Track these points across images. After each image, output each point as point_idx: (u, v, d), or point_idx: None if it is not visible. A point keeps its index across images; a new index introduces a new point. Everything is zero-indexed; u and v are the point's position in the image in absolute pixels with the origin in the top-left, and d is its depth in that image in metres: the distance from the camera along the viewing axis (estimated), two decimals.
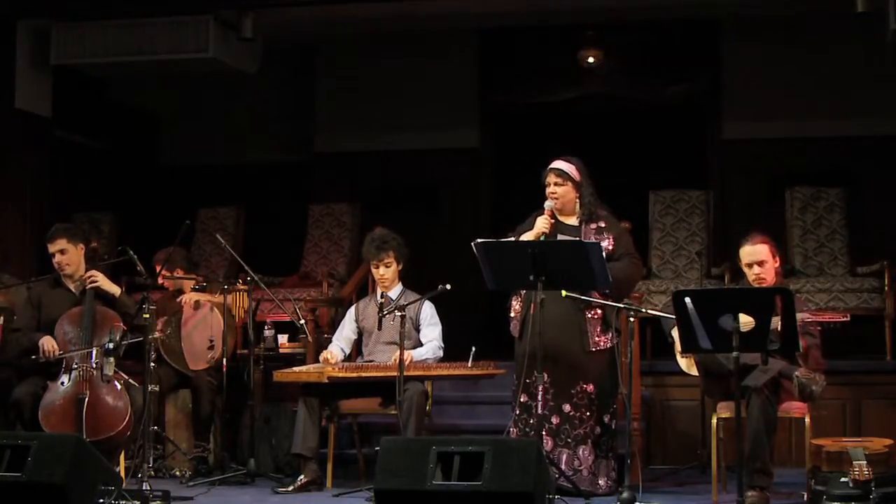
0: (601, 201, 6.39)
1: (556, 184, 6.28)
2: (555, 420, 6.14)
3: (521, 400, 6.17)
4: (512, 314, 6.34)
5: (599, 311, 6.20)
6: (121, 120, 10.46)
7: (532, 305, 6.03)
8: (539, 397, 5.85)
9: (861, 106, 9.38)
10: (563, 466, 6.09)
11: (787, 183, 9.02)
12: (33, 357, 6.57)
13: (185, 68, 8.85)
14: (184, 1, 8.49)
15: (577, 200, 6.32)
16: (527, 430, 6.12)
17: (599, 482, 6.18)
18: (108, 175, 10.22)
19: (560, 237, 6.19)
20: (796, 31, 9.41)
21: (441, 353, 6.67)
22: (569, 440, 6.15)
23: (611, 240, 6.25)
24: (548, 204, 6.24)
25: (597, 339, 6.21)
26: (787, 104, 9.59)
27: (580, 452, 6.15)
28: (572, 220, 6.32)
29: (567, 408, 6.17)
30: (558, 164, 6.34)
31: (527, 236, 6.17)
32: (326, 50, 10.37)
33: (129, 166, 10.48)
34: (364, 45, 10.07)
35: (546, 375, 5.92)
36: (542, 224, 6.15)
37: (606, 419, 6.26)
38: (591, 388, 6.19)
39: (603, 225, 6.31)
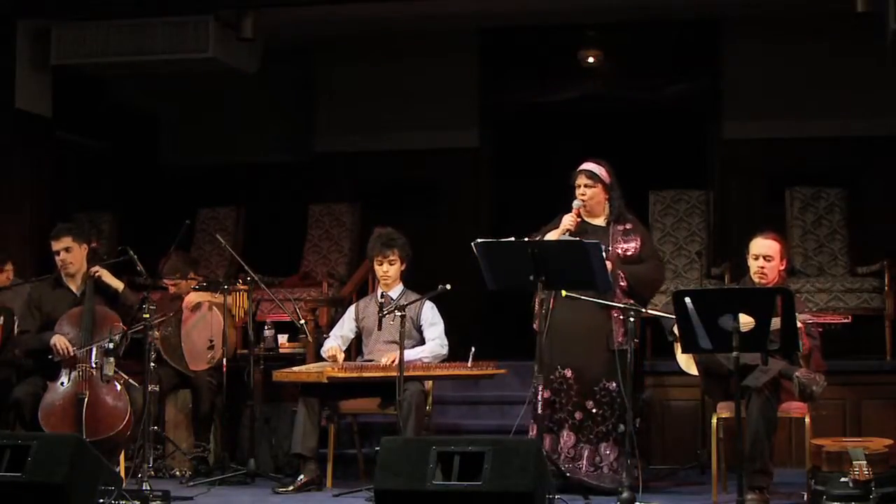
0: (629, 206, 6.47)
1: (586, 185, 6.35)
2: (577, 416, 6.19)
3: (545, 396, 6.08)
4: (535, 310, 6.27)
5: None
6: (121, 120, 10.44)
7: (552, 301, 6.08)
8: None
9: (861, 106, 9.37)
10: (584, 462, 6.15)
11: (787, 183, 9.01)
12: (49, 357, 6.54)
13: (185, 68, 8.84)
14: (184, 1, 8.48)
15: (607, 202, 6.39)
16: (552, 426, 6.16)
17: (622, 479, 6.08)
18: (108, 175, 10.22)
19: (586, 237, 6.15)
20: (796, 32, 9.40)
21: (443, 351, 6.66)
22: (591, 437, 6.20)
23: (638, 242, 6.35)
24: (576, 203, 6.29)
25: (620, 339, 6.21)
26: (787, 104, 9.58)
27: (602, 449, 6.20)
28: (599, 221, 6.37)
29: (590, 404, 6.21)
30: (588, 165, 6.42)
31: (552, 234, 6.22)
32: (326, 50, 10.35)
33: (129, 166, 10.47)
34: (364, 44, 10.06)
35: (570, 372, 6.09)
36: (568, 221, 6.21)
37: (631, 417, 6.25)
38: (613, 385, 6.21)
39: (630, 227, 6.40)
